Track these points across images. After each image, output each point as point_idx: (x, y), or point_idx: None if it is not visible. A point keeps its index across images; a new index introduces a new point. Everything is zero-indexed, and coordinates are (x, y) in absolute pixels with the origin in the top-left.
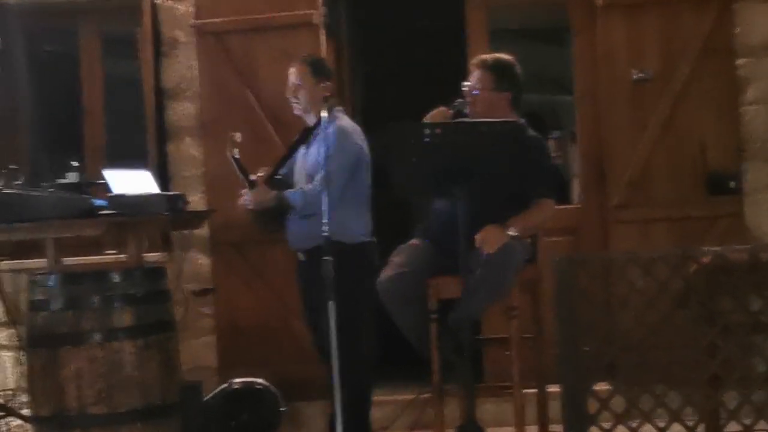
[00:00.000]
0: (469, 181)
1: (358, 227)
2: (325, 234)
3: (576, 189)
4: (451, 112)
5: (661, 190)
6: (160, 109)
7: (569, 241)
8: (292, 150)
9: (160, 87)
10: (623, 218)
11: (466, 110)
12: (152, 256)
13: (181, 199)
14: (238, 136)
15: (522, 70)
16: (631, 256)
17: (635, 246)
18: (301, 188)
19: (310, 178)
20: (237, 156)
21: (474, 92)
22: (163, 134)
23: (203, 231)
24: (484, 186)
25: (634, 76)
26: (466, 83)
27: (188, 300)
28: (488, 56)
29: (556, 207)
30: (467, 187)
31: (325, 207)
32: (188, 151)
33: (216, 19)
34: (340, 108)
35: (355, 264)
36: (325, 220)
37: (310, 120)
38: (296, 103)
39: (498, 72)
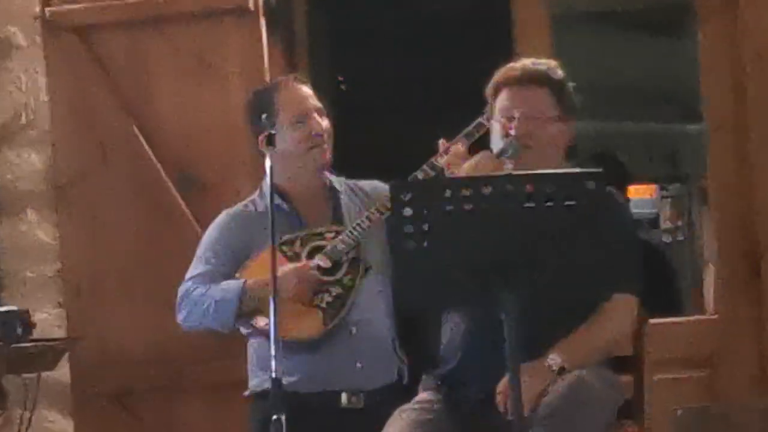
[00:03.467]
0: (529, 279)
1: None
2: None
3: (710, 287)
4: (495, 154)
5: None
6: None
7: (701, 378)
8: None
9: None
10: None
11: (508, 155)
12: None
13: (20, 318)
14: None
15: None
16: None
17: None
18: None
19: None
20: None
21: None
22: None
23: (61, 374)
24: (555, 286)
25: None
26: (517, 109)
27: None
28: (541, 63)
29: (671, 320)
30: (523, 290)
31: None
32: (32, 234)
33: (79, 5)
34: None
35: None
36: None
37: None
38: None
39: (563, 88)
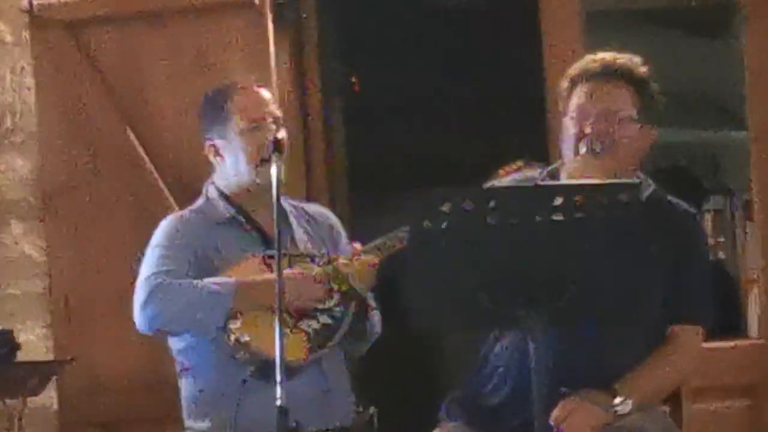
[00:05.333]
0: (555, 300)
1: None
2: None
3: (754, 309)
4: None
5: None
6: None
7: (744, 409)
8: None
9: None
10: None
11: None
12: None
13: (3, 339)
14: None
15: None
16: None
17: None
18: None
19: None
20: None
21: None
22: None
23: (47, 399)
24: (586, 308)
25: None
26: (594, 105)
27: None
28: (623, 57)
29: (712, 345)
30: (549, 312)
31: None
32: (17, 247)
33: None
34: None
35: None
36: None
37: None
38: None
39: (647, 87)
